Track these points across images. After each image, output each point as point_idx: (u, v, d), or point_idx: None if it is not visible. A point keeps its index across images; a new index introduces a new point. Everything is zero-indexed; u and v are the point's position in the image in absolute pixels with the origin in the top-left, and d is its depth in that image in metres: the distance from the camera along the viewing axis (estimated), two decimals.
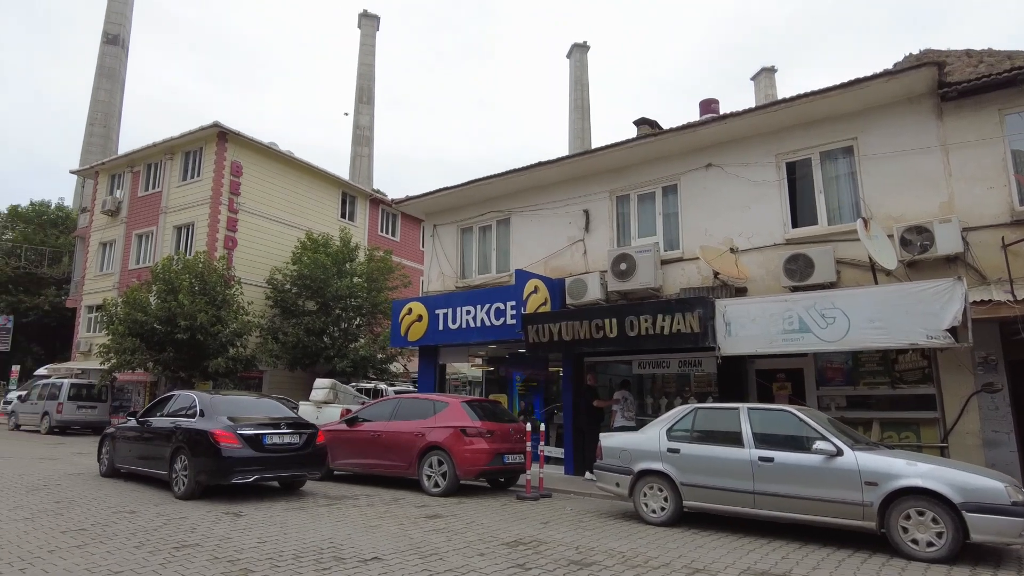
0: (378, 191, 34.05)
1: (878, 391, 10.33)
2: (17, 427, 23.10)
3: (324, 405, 16.41)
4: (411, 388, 21.51)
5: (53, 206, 41.93)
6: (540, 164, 13.89)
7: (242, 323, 22.24)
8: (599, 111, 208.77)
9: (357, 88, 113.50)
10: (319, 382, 16.91)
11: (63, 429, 22.05)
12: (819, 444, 6.94)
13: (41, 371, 32.22)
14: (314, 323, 24.81)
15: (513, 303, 13.15)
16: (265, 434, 9.39)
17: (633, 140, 12.83)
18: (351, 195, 32.28)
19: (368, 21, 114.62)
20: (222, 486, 9.38)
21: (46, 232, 38.67)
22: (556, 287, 13.04)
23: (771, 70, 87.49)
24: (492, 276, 15.17)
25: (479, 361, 17.65)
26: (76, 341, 29.47)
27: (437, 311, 14.75)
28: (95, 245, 30.02)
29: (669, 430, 8.16)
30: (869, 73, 10.19)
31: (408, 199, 16.28)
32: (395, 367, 27.08)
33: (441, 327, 14.61)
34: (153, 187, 28.20)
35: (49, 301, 36.39)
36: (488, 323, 13.69)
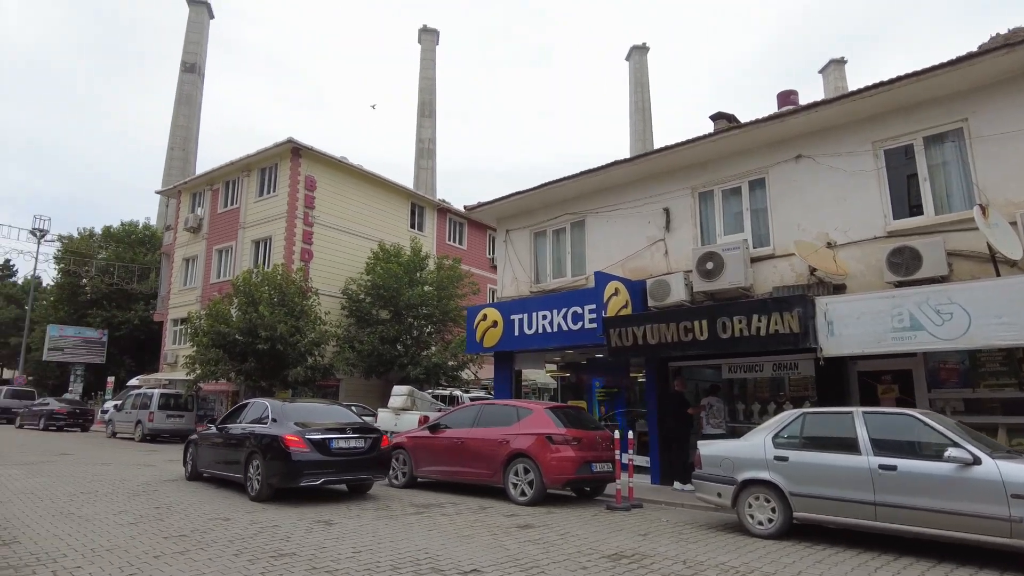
0: (443, 201, 34.31)
1: (1003, 393, 9.43)
2: (114, 435, 24.30)
3: (402, 412, 16.47)
4: (485, 395, 21.41)
5: (140, 225, 44.24)
6: (616, 163, 13.52)
7: (320, 333, 22.71)
8: (660, 113, 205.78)
9: (419, 102, 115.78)
10: (397, 389, 16.99)
11: (154, 437, 23.02)
12: (952, 451, 6.30)
13: (133, 382, 33.93)
14: (388, 331, 25.13)
15: (592, 306, 12.80)
16: (332, 439, 9.77)
17: (715, 134, 12.29)
18: (420, 205, 32.66)
19: (428, 36, 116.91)
20: (293, 489, 9.73)
21: (135, 250, 40.82)
22: (637, 289, 12.61)
23: (841, 62, 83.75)
24: (567, 280, 14.86)
25: (553, 367, 17.37)
26: (163, 353, 30.88)
27: (512, 316, 14.56)
28: (179, 261, 31.43)
29: (775, 437, 7.63)
30: (976, 49, 9.39)
31: (480, 205, 16.19)
32: (466, 374, 27.12)
33: (517, 332, 14.40)
34: (232, 204, 29.30)
35: (139, 315, 38.35)
36: (565, 327, 13.39)
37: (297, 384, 22.17)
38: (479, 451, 10.35)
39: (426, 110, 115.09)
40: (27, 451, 17.58)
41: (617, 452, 10.10)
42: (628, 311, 12.25)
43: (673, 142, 12.73)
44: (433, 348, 26.52)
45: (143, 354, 39.85)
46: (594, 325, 12.68)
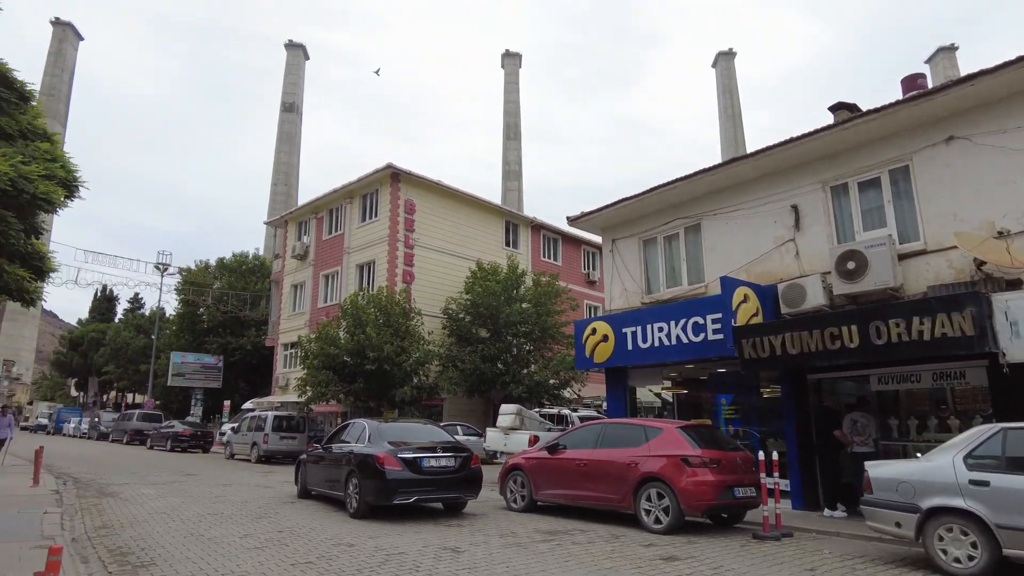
0: (534, 219, 33.98)
1: None
2: (232, 456, 25.25)
3: (511, 431, 15.97)
4: (596, 414, 20.66)
5: (251, 256, 46.70)
6: (735, 160, 12.58)
7: (424, 352, 22.74)
8: (751, 118, 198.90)
9: (504, 125, 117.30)
10: (505, 408, 16.55)
11: (268, 458, 23.68)
12: None
13: (247, 405, 35.50)
14: (488, 350, 24.90)
15: (716, 316, 11.87)
16: (423, 457, 10.03)
17: (847, 121, 11.14)
18: (513, 223, 32.50)
19: (511, 60, 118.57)
20: (406, 510, 10.14)
21: (246, 279, 43.07)
22: (767, 295, 11.56)
23: (951, 48, 77.74)
24: (684, 289, 13.95)
25: (667, 383, 16.40)
26: (275, 376, 32.07)
27: (624, 330, 13.79)
28: (287, 287, 32.70)
29: (967, 457, 6.49)
30: None
31: (584, 215, 15.59)
32: (567, 393, 26.42)
33: (630, 347, 13.62)
34: (336, 230, 30.21)
35: (251, 341, 40.27)
36: (685, 340, 12.49)
37: (404, 404, 22.24)
38: (605, 474, 9.63)
39: (511, 132, 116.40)
40: (158, 470, 18.41)
41: (761, 475, 9.09)
42: (759, 319, 11.22)
43: (799, 133, 11.67)
44: (533, 367, 26.07)
45: (255, 378, 41.75)
46: (720, 336, 11.74)
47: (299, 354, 25.78)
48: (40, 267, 7.67)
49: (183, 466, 20.60)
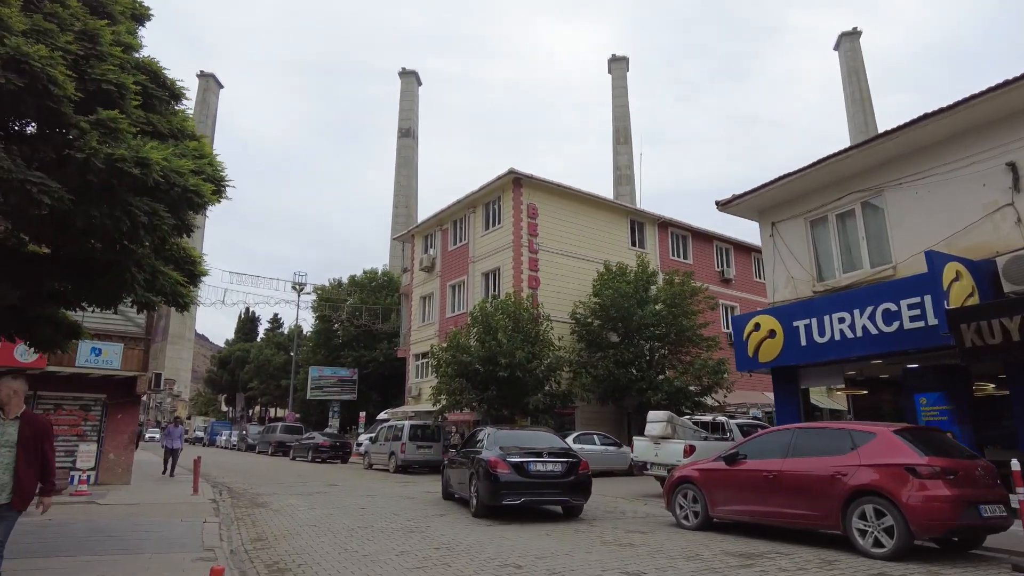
0: (661, 216, 32.18)
1: None
2: (371, 466, 25.56)
3: (662, 440, 14.62)
4: (754, 422, 18.84)
5: (380, 272, 48.22)
6: (926, 117, 10.67)
7: (555, 358, 21.87)
8: (882, 103, 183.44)
9: (614, 130, 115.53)
10: (653, 415, 15.22)
11: (405, 467, 23.65)
12: None
13: (382, 415, 36.24)
14: (621, 355, 23.62)
15: (913, 300, 10.06)
16: (530, 462, 10.67)
17: None
18: (639, 222, 31.04)
19: (617, 64, 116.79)
20: (498, 508, 10.59)
21: (376, 295, 44.40)
22: (982, 271, 9.62)
23: None
24: (865, 272, 12.09)
25: (842, 384, 14.44)
26: (408, 386, 32.45)
27: (795, 323, 12.14)
28: (416, 299, 33.10)
29: None
30: None
31: (736, 198, 14.07)
32: (710, 400, 24.52)
33: (804, 342, 11.95)
34: (460, 240, 30.18)
35: (383, 353, 41.31)
36: (874, 331, 10.70)
37: (537, 412, 21.43)
38: (800, 487, 8.16)
39: (621, 137, 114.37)
40: (303, 481, 18.71)
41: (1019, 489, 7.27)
42: (975, 300, 9.31)
43: (1012, 76, 9.64)
44: (668, 372, 24.46)
45: (388, 389, 42.77)
46: (919, 323, 9.93)
47: (431, 363, 25.75)
48: (192, 271, 7.44)
49: (325, 476, 20.91)
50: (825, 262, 12.98)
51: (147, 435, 43.94)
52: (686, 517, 9.78)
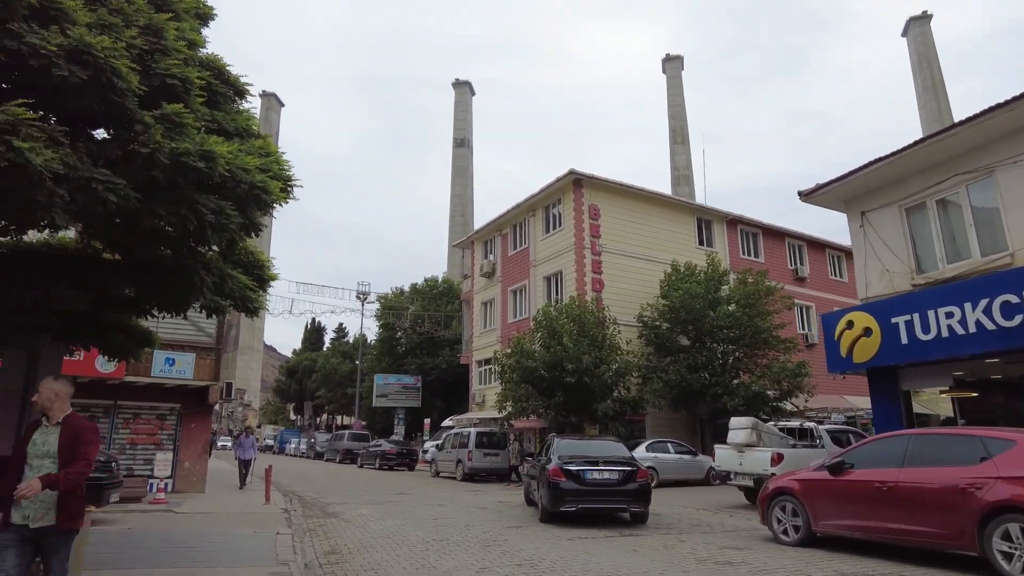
0: (729, 213, 30.88)
1: None
2: (437, 474, 25.35)
3: (747, 448, 13.72)
4: (856, 428, 17.62)
5: (440, 280, 48.38)
6: None
7: (624, 363, 21.12)
8: (956, 90, 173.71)
9: (670, 130, 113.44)
10: (736, 422, 14.33)
11: (472, 475, 23.30)
12: None
13: (446, 422, 36.08)
14: (694, 359, 22.65)
15: None
16: (586, 470, 11.17)
17: None
18: (706, 220, 29.89)
19: (672, 63, 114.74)
20: (560, 514, 11.08)
21: (437, 302, 44.50)
22: None
23: None
24: (975, 262, 10.97)
25: (947, 386, 13.19)
26: (471, 393, 32.19)
27: (893, 319, 11.13)
28: (477, 305, 32.85)
29: None
30: None
31: (821, 187, 13.09)
32: (788, 405, 23.20)
33: (905, 340, 10.93)
34: (521, 245, 29.77)
35: (445, 360, 41.29)
36: (991, 326, 9.63)
37: (606, 419, 20.71)
38: (922, 501, 7.27)
39: (677, 137, 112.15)
40: (373, 489, 18.58)
41: None
42: None
43: None
44: (741, 376, 23.30)
45: (451, 396, 42.70)
46: None
47: (495, 369, 25.37)
48: (261, 276, 7.19)
49: (394, 485, 20.76)
50: (925, 252, 11.88)
51: (219, 443, 45.22)
52: (785, 532, 8.95)
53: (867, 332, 11.56)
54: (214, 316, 7.08)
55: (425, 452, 32.47)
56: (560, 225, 26.94)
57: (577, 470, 11.11)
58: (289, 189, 6.81)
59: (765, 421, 19.82)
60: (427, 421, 38.31)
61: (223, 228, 5.42)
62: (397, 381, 41.86)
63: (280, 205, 6.86)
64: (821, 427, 15.18)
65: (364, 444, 34.75)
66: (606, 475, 11.16)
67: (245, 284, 6.70)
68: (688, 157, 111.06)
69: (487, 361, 31.05)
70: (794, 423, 16.15)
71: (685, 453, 21.04)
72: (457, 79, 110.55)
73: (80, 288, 5.36)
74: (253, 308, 6.92)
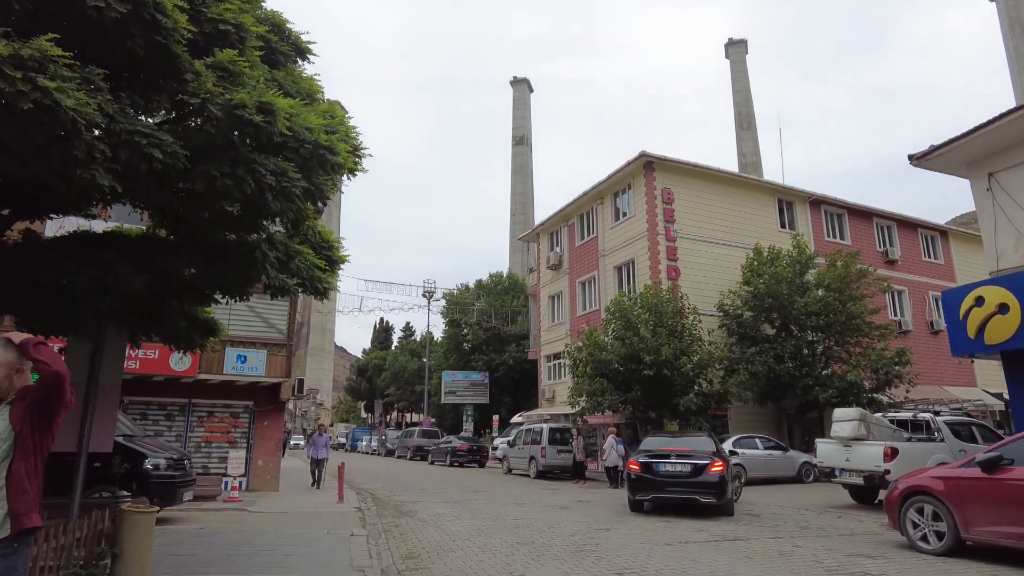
0: (812, 193, 28.86)
1: None
2: (509, 471, 24.69)
3: (854, 442, 12.38)
4: (972, 419, 15.89)
5: (505, 275, 47.90)
6: None
7: (705, 353, 19.86)
8: None
9: (736, 116, 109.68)
10: (841, 413, 12.99)
11: (545, 472, 22.47)
12: None
13: (516, 419, 35.48)
14: (782, 348, 21.16)
15: None
16: (659, 462, 11.89)
17: None
18: (787, 201, 28.08)
19: (735, 47, 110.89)
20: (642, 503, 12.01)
21: (503, 298, 43.98)
22: None
23: None
24: None
25: None
26: (541, 389, 31.40)
27: None
28: (544, 299, 32.03)
29: None
30: None
31: (937, 149, 11.61)
32: (887, 396, 21.35)
33: None
34: (588, 234, 28.76)
35: (512, 356, 40.72)
36: None
37: (688, 413, 19.50)
38: None
39: (744, 123, 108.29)
40: (446, 487, 18.05)
41: None
42: None
43: None
44: (836, 366, 21.63)
45: (518, 392, 42.14)
46: None
47: (566, 363, 24.51)
48: (330, 256, 6.55)
49: (466, 482, 20.21)
50: None
51: (292, 442, 45.97)
52: (924, 538, 7.74)
53: (1002, 309, 10.10)
54: (282, 299, 6.44)
55: (495, 449, 31.96)
56: (630, 212, 25.80)
57: (650, 462, 11.91)
58: (358, 159, 6.16)
59: (906, 410, 18.17)
60: (495, 417, 37.81)
61: (285, 193, 4.79)
62: (465, 378, 41.58)
63: (349, 178, 6.24)
64: (939, 418, 13.60)
65: (434, 441, 34.52)
66: (678, 467, 11.69)
67: (314, 263, 6.10)
68: (756, 144, 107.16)
69: (556, 356, 30.21)
70: (904, 414, 14.61)
71: (774, 449, 19.63)
72: (515, 77, 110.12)
73: (134, 264, 4.85)
74: (323, 290, 6.32)
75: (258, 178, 4.55)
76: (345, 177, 6.18)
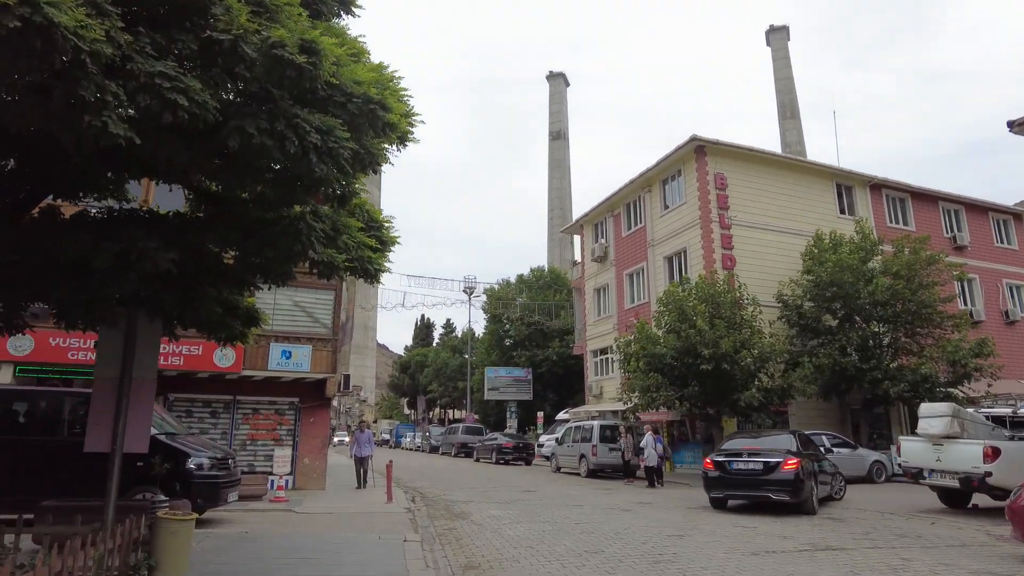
0: (873, 176, 27.21)
1: None
2: (558, 469, 23.90)
3: (946, 441, 11.25)
4: None
5: (546, 269, 47.11)
6: None
7: (767, 346, 18.74)
8: None
9: (778, 104, 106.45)
10: (929, 408, 11.85)
11: (596, 471, 21.63)
12: None
13: (561, 415, 34.68)
14: (847, 340, 19.90)
15: None
16: (731, 461, 11.94)
17: None
18: (846, 185, 26.57)
19: (777, 34, 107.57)
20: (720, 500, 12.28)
21: (544, 293, 43.20)
22: None
23: None
24: None
25: None
26: (587, 385, 30.51)
27: None
28: (590, 293, 31.11)
29: None
30: None
31: None
32: (965, 390, 19.84)
33: None
34: (636, 224, 27.73)
35: (555, 352, 39.89)
36: None
37: (750, 409, 18.42)
38: None
39: (787, 111, 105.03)
40: (495, 486, 17.40)
41: None
42: None
43: None
44: (901, 357, 20.26)
45: (562, 388, 41.31)
46: None
47: (616, 358, 23.59)
48: (380, 236, 5.85)
49: (516, 481, 19.54)
50: None
51: (336, 439, 45.89)
52: None
53: None
54: (328, 285, 5.74)
55: (541, 446, 31.22)
56: (681, 199, 24.70)
57: (722, 460, 12.06)
58: (411, 125, 5.47)
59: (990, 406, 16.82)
60: (540, 414, 37.04)
61: (332, 155, 4.12)
62: (508, 374, 40.95)
63: (399, 148, 5.56)
64: None
65: (479, 438, 33.96)
66: (750, 465, 11.72)
67: (363, 241, 5.43)
68: (800, 133, 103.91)
69: (603, 351, 29.29)
70: (1000, 410, 13.34)
71: (842, 446, 18.43)
72: (551, 71, 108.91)
73: (161, 239, 4.25)
74: (374, 271, 5.65)
75: (301, 135, 3.88)
76: (395, 148, 5.54)
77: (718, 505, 12.39)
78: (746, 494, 11.84)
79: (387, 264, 6.06)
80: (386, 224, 6.24)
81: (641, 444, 18.24)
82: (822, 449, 15.00)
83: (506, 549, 8.01)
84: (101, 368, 5.56)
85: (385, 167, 5.34)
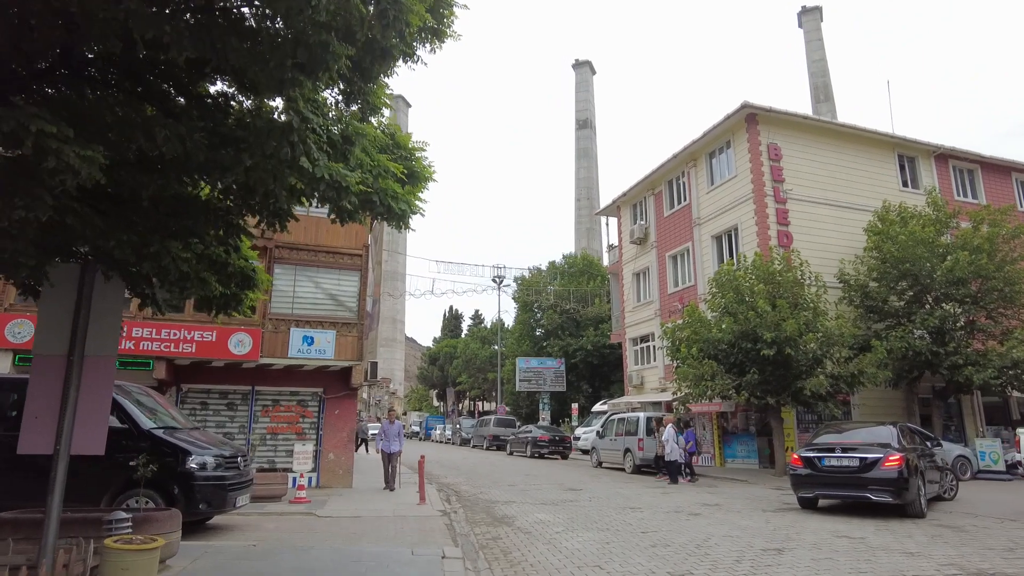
0: (939, 146, 24.97)
1: None
2: (599, 464, 22.37)
3: None
4: None
5: (579, 256, 45.38)
6: None
7: (836, 328, 16.92)
8: None
9: (811, 87, 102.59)
10: None
11: (642, 467, 20.04)
12: None
13: (598, 407, 33.07)
14: (922, 322, 17.97)
15: None
16: (823, 457, 10.89)
17: None
18: (908, 156, 24.42)
19: (810, 16, 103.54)
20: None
21: (577, 280, 41.52)
22: None
23: None
24: None
25: None
26: (627, 375, 28.83)
27: None
28: (628, 277, 29.38)
29: None
30: None
31: None
32: None
33: None
34: (680, 202, 25.91)
35: (590, 341, 38.23)
36: None
37: (816, 398, 16.64)
38: None
39: (820, 95, 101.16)
40: (536, 483, 15.93)
41: None
42: None
43: None
44: (991, 341, 18.28)
45: (597, 378, 39.69)
46: None
47: (659, 346, 21.94)
48: (409, 168, 4.36)
49: (556, 477, 18.05)
50: None
51: (372, 432, 44.69)
52: None
53: None
54: (346, 223, 4.19)
55: (577, 439, 29.70)
56: (730, 172, 22.83)
57: (812, 457, 10.94)
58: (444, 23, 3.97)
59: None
60: (575, 406, 35.46)
61: (362, 71, 2.58)
62: (540, 364, 39.40)
63: (434, 45, 4.10)
64: None
65: (511, 430, 32.53)
66: (844, 462, 10.61)
67: (385, 165, 3.93)
68: (834, 116, 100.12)
69: (643, 338, 27.60)
70: None
71: (934, 444, 16.51)
72: (577, 60, 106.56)
73: (89, 137, 2.81)
74: (399, 211, 4.16)
75: None
76: (427, 46, 4.04)
77: (807, 505, 11.17)
78: (841, 494, 10.65)
79: (419, 204, 4.55)
80: (417, 152, 4.74)
81: (663, 438, 16.81)
82: (928, 444, 13.27)
83: (566, 569, 6.52)
84: (42, 343, 4.17)
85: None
